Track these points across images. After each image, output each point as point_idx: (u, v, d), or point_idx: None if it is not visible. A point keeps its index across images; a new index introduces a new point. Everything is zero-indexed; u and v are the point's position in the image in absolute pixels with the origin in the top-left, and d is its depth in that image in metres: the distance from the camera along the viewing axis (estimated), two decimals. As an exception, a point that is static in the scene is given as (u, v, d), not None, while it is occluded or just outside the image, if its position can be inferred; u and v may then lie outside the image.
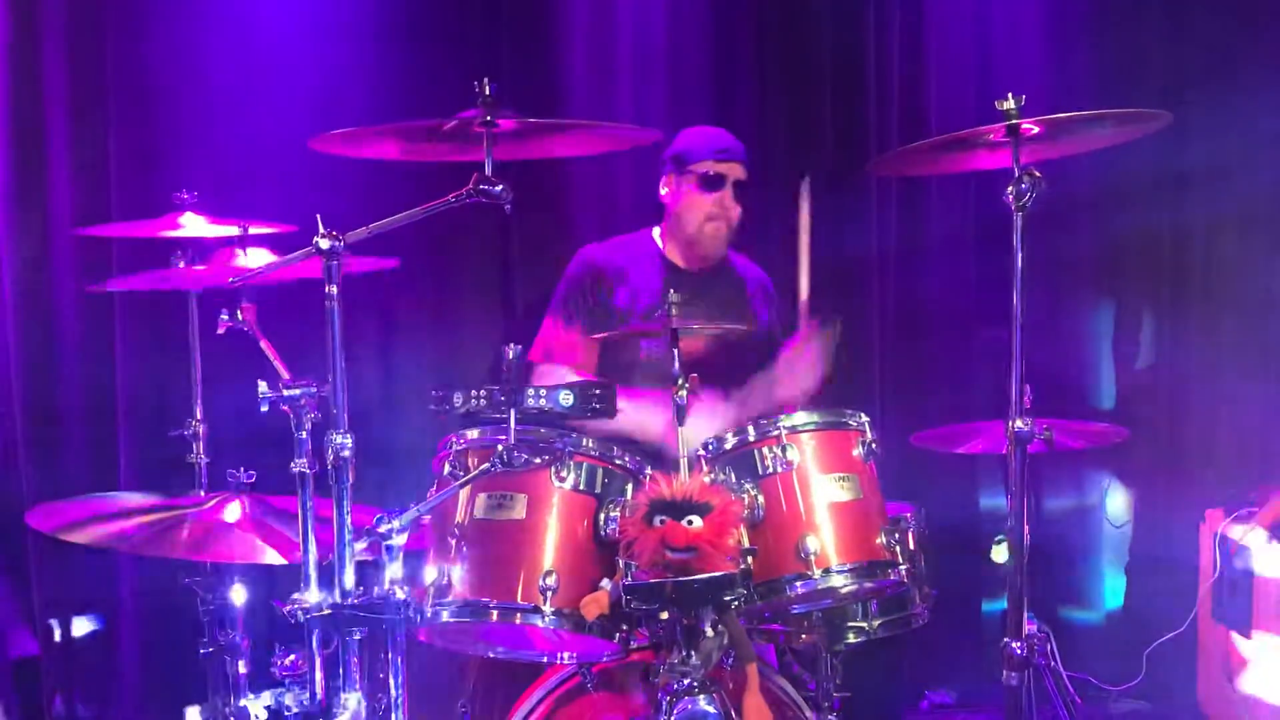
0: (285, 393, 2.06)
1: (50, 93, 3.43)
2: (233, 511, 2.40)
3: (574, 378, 2.80)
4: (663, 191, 3.14)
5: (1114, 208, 4.05)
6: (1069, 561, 4.21)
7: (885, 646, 2.93)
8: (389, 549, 2.03)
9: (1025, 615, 2.35)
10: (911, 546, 2.52)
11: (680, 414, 2.31)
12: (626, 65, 3.80)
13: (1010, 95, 2.31)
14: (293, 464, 2.09)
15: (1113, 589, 4.24)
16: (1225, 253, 4.09)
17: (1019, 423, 2.31)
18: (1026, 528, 2.33)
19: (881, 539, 2.36)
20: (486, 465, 2.12)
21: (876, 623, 2.68)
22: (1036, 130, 2.33)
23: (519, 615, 2.19)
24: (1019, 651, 2.34)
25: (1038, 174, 2.28)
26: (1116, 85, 3.92)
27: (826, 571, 2.29)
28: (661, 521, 2.08)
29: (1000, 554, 2.39)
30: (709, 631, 2.12)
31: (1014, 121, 2.29)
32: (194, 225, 2.80)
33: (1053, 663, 2.99)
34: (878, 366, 3.97)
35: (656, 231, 3.21)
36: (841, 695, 2.68)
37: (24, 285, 3.45)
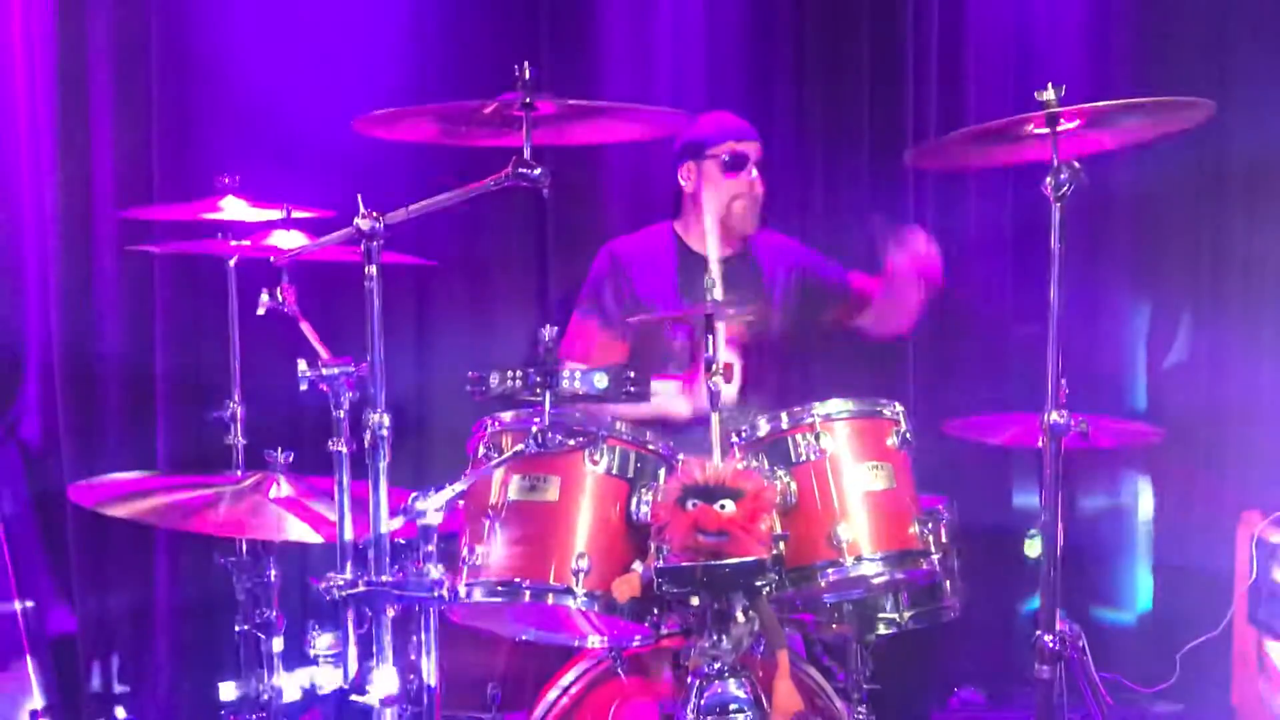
0: (324, 372, 2.08)
1: (94, 74, 3.47)
2: (270, 490, 2.43)
3: None
4: (683, 182, 3.18)
5: (1153, 202, 4.00)
6: (1102, 561, 4.17)
7: (916, 641, 2.92)
8: (424, 529, 2.05)
9: (1058, 608, 2.33)
10: (944, 539, 2.51)
11: (714, 399, 2.32)
12: (665, 52, 3.80)
13: (1050, 85, 2.29)
14: (330, 443, 2.11)
15: (1146, 590, 4.19)
16: (1267, 249, 4.03)
17: (1054, 415, 2.30)
18: (1060, 520, 2.31)
19: (914, 529, 2.36)
20: (520, 446, 2.13)
21: (908, 614, 2.67)
22: (1077, 123, 2.32)
23: (551, 596, 2.20)
24: (1052, 645, 2.32)
25: (1077, 165, 2.26)
26: (1158, 77, 3.88)
27: (858, 559, 2.29)
28: (694, 505, 2.09)
29: (1033, 548, 2.38)
30: (740, 617, 2.12)
31: (1053, 110, 2.27)
32: (235, 209, 2.82)
33: (1085, 659, 2.97)
34: (912, 358, 3.95)
35: (677, 225, 3.24)
36: (871, 688, 2.67)
37: (67, 266, 3.50)
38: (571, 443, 2.22)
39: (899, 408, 2.44)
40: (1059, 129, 2.29)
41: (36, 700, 3.36)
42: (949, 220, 3.98)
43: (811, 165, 3.87)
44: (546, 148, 2.27)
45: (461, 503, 2.35)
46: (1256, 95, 3.84)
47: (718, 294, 2.39)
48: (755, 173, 3.13)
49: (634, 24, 3.78)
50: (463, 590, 2.21)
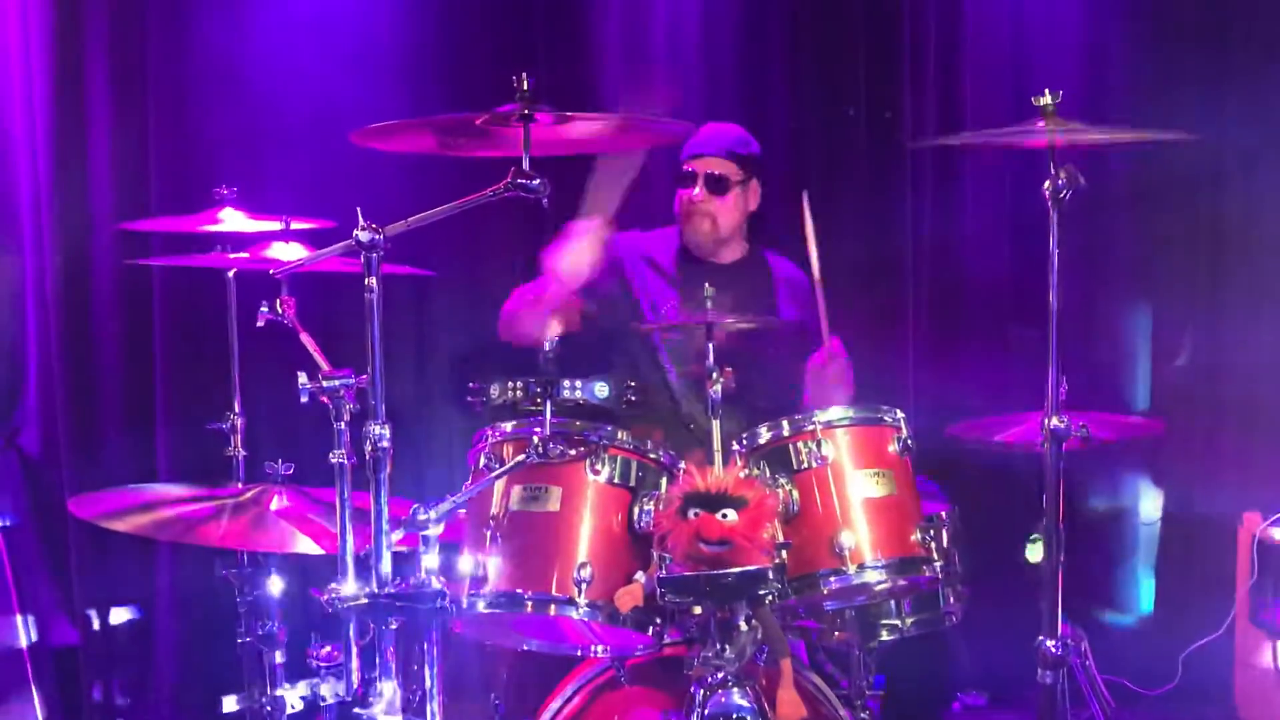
0: (325, 384, 2.07)
1: (91, 87, 3.47)
2: (270, 502, 2.43)
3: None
4: None
5: (1153, 200, 3.99)
6: (1103, 563, 4.17)
7: (918, 646, 2.92)
8: (425, 540, 2.04)
9: (1060, 613, 2.33)
10: (946, 544, 2.51)
11: (714, 407, 2.31)
12: (661, 57, 3.81)
13: (1047, 91, 2.29)
14: (331, 455, 2.11)
15: (1148, 592, 4.19)
16: (1267, 247, 4.02)
17: (1055, 420, 2.30)
18: (1061, 524, 2.31)
19: (917, 535, 2.36)
20: (522, 456, 2.13)
21: (910, 620, 2.68)
22: (1072, 131, 2.31)
23: (553, 606, 2.20)
24: (1054, 650, 2.32)
25: (1075, 170, 2.26)
26: (1155, 69, 3.86)
27: (861, 567, 2.29)
28: (696, 514, 2.08)
29: (1035, 553, 2.38)
30: (743, 625, 2.12)
31: (1051, 131, 2.26)
32: (233, 220, 2.82)
33: (1087, 662, 2.97)
34: (912, 359, 3.95)
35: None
36: (874, 695, 2.67)
37: (66, 280, 3.49)
38: (573, 452, 2.22)
39: (900, 414, 2.43)
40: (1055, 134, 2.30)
41: (38, 713, 3.35)
42: (947, 217, 3.98)
43: (807, 169, 3.87)
44: (545, 156, 2.26)
45: (463, 513, 2.35)
46: (1254, 89, 3.84)
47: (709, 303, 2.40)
48: (702, 191, 3.08)
49: (629, 28, 3.78)
50: (465, 602, 2.21)
